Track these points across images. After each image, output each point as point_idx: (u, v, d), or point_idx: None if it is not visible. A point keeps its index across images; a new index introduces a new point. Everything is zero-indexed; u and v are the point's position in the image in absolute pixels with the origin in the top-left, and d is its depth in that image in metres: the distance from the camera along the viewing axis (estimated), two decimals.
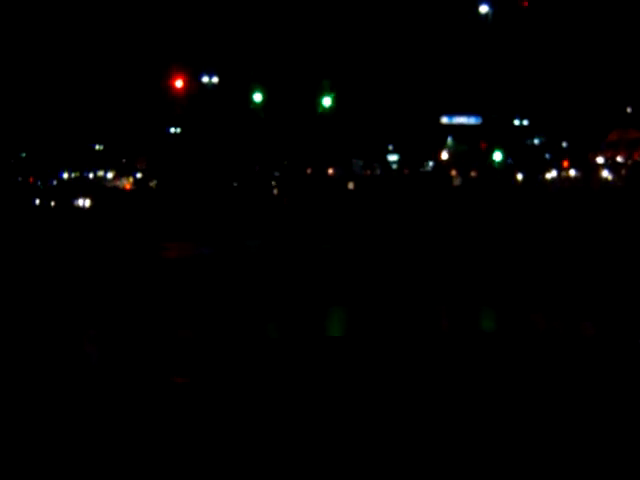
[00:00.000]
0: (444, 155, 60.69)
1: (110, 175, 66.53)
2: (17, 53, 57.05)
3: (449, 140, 60.34)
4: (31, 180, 66.53)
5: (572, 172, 65.40)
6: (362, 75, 55.91)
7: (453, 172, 57.80)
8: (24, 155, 64.76)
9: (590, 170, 63.50)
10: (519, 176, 59.74)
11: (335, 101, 52.02)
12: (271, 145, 58.07)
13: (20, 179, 64.77)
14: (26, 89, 58.25)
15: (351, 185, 58.22)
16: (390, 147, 60.71)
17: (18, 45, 56.96)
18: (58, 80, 58.18)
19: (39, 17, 57.18)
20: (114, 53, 56.92)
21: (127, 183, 64.82)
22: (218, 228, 36.38)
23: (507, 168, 58.26)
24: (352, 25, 55.77)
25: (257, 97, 51.67)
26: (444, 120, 59.32)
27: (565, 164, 64.82)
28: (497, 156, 57.14)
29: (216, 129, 57.25)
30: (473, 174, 55.81)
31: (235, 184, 57.01)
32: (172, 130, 58.97)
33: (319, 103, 52.48)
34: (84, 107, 59.26)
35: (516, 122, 59.07)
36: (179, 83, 51.78)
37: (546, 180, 61.14)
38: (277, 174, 59.70)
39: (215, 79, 55.35)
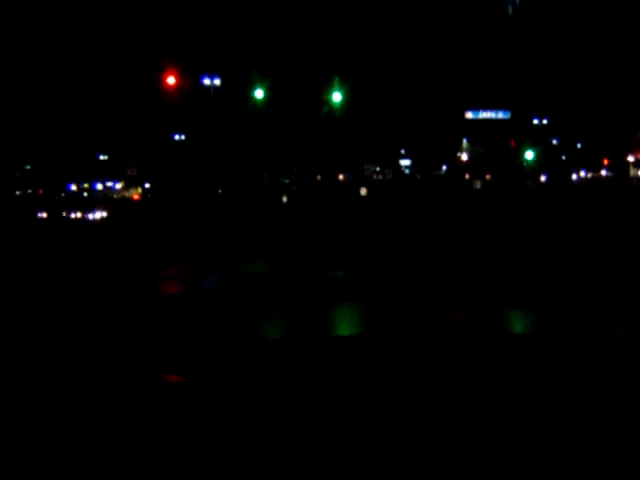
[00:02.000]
0: (464, 156, 58.19)
1: (119, 186, 65.14)
2: (20, 65, 56.33)
3: (464, 142, 57.86)
4: (41, 192, 65.44)
5: (603, 172, 62.94)
6: (373, 75, 53.72)
7: (467, 175, 55.06)
8: (28, 167, 63.71)
9: (623, 169, 60.81)
10: (542, 177, 56.94)
11: (345, 98, 49.50)
12: (279, 151, 55.94)
13: (30, 191, 63.90)
14: (29, 101, 57.33)
15: (364, 191, 55.75)
16: (402, 151, 58.32)
17: (21, 57, 56.21)
18: (60, 91, 57.16)
19: (43, 29, 56.49)
20: (116, 62, 55.73)
21: (135, 193, 63.26)
22: (223, 245, 34.39)
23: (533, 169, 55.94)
24: (364, 22, 53.84)
25: (258, 94, 49.05)
26: (469, 115, 56.60)
27: (605, 162, 62.77)
28: (529, 155, 55.63)
29: (221, 136, 55.29)
30: (488, 177, 53.02)
31: (243, 193, 54.89)
32: (176, 137, 57.16)
33: (329, 100, 50.00)
34: (87, 118, 58.15)
35: (535, 121, 56.47)
36: (175, 82, 49.77)
37: (572, 181, 58.13)
38: (287, 181, 57.58)
39: (217, 81, 53.27)
